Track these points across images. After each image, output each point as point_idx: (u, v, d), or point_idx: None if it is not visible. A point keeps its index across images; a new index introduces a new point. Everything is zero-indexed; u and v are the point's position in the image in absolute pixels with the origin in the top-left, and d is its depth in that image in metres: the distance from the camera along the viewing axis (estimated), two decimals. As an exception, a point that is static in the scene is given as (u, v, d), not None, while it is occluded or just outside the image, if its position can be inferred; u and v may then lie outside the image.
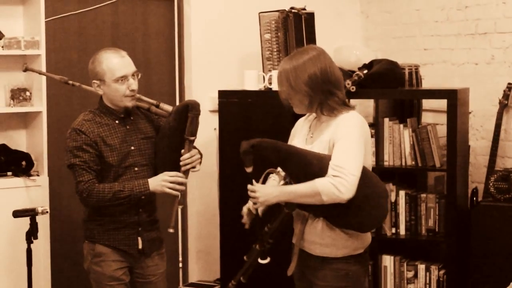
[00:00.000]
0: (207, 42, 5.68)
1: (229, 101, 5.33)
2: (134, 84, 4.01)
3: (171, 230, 4.06)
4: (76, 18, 5.32)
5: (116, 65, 3.97)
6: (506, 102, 5.32)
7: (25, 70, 4.73)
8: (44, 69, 4.78)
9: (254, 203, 3.69)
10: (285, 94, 3.68)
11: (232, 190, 5.27)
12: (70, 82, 4.46)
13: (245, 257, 3.75)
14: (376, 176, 3.72)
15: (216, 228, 5.48)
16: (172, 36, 5.71)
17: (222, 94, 5.36)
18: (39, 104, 4.82)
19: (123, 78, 3.97)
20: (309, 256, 3.74)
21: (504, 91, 5.33)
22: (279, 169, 3.79)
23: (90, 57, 5.22)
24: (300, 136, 3.80)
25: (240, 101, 5.30)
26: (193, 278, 5.71)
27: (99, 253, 4.07)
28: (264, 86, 5.32)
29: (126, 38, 5.49)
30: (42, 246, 4.72)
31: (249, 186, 3.67)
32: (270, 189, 3.68)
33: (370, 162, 3.78)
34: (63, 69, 5.23)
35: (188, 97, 5.57)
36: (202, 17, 5.68)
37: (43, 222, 4.61)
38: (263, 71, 5.42)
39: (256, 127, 5.12)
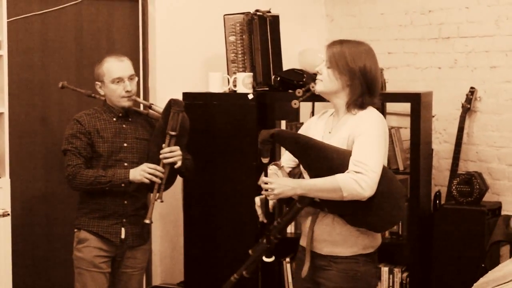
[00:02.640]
0: (172, 44, 5.67)
1: (194, 104, 5.30)
2: (129, 85, 4.35)
3: (147, 221, 4.28)
4: (39, 19, 5.27)
5: (113, 68, 4.35)
6: (469, 106, 5.37)
7: (62, 87, 4.78)
8: (6, 70, 4.71)
9: (267, 196, 3.62)
10: (331, 69, 3.63)
11: (196, 192, 5.28)
12: (93, 95, 4.64)
13: (250, 251, 3.70)
14: (395, 176, 3.69)
15: (179, 231, 5.46)
16: (136, 37, 5.68)
17: (187, 96, 5.32)
18: (1, 105, 4.74)
19: (119, 79, 4.34)
20: (317, 256, 3.70)
21: (467, 95, 5.38)
22: (282, 163, 3.78)
23: (53, 58, 5.29)
24: (317, 131, 3.75)
25: (204, 104, 5.28)
26: (156, 281, 5.69)
27: (83, 239, 4.34)
28: (229, 89, 5.29)
29: (89, 39, 5.46)
30: (3, 248, 4.65)
31: (263, 178, 3.60)
32: (287, 181, 3.61)
33: (386, 162, 3.70)
34: (25, 69, 5.20)
35: (152, 99, 5.54)
36: (166, 18, 5.66)
37: (4, 225, 4.57)
38: (228, 74, 5.40)
39: (220, 130, 5.12)
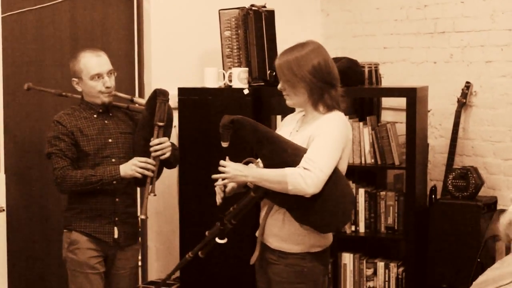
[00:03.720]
0: (167, 39, 5.67)
1: (189, 99, 5.34)
2: (109, 81, 4.26)
3: (142, 217, 4.25)
4: (33, 14, 5.28)
5: (91, 64, 4.23)
6: (465, 100, 5.38)
7: (28, 89, 4.76)
8: (0, 66, 4.72)
9: (223, 179, 3.70)
10: (285, 84, 3.71)
11: (191, 188, 5.30)
12: (64, 93, 4.62)
13: (206, 232, 3.76)
14: (347, 181, 3.81)
15: (175, 227, 5.46)
16: (131, 32, 5.69)
17: (182, 92, 5.36)
18: (-5, 105, 4.76)
19: (98, 75, 4.23)
20: (268, 250, 3.78)
21: (463, 89, 5.39)
22: (258, 160, 3.82)
23: (47, 54, 5.29)
24: (286, 130, 3.83)
25: (200, 99, 5.28)
26: (152, 276, 5.70)
27: (75, 240, 4.26)
28: (224, 84, 5.30)
29: (84, 35, 5.47)
30: (-1, 242, 4.68)
31: (221, 162, 3.70)
32: (241, 167, 3.71)
33: (345, 167, 3.80)
34: (20, 66, 5.21)
35: (147, 94, 5.53)
36: (161, 13, 5.67)
37: (0, 219, 4.57)
38: (223, 69, 5.41)
39: (216, 125, 5.05)
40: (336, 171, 3.60)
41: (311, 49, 3.70)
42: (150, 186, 4.20)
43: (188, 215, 5.33)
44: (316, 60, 3.65)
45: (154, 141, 4.20)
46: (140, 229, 4.63)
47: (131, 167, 4.16)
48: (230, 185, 3.76)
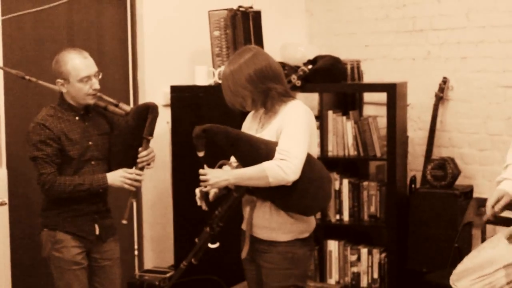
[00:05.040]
0: (159, 39, 5.65)
1: (181, 96, 5.34)
2: (96, 83, 4.06)
3: (124, 222, 4.15)
4: (32, 17, 5.23)
5: (80, 66, 4.02)
6: (442, 95, 5.42)
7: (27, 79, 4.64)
8: (1, 65, 4.72)
9: (205, 186, 3.69)
10: (228, 98, 3.71)
11: (184, 180, 5.28)
12: (27, 77, 4.36)
13: (196, 239, 3.76)
14: (320, 163, 3.77)
15: (169, 217, 5.49)
16: (125, 33, 5.66)
17: (174, 89, 5.37)
18: (-4, 100, 4.78)
19: (87, 78, 4.03)
20: (257, 240, 3.76)
21: (440, 84, 5.43)
22: (231, 160, 3.81)
23: (45, 54, 5.25)
24: (251, 128, 3.81)
25: (191, 96, 5.30)
26: (148, 265, 5.69)
27: (60, 240, 4.12)
28: (214, 81, 5.31)
29: (81, 36, 5.43)
30: (1, 236, 4.68)
31: (200, 170, 3.68)
32: (220, 172, 3.68)
33: (315, 150, 3.80)
34: (20, 65, 5.11)
35: (141, 92, 5.56)
36: (154, 15, 5.64)
37: (2, 213, 4.57)
38: (213, 67, 5.41)
39: (206, 121, 5.01)
40: (309, 156, 3.60)
41: (244, 61, 3.64)
42: (132, 192, 4.15)
43: (181, 207, 5.34)
44: (248, 71, 3.60)
45: (142, 153, 4.10)
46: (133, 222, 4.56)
47: (119, 179, 4.07)
48: (213, 191, 3.75)
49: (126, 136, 4.16)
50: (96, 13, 5.54)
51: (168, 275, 5.37)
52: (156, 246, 5.75)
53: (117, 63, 5.60)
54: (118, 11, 5.64)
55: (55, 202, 4.11)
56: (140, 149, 4.12)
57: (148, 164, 4.17)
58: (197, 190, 3.81)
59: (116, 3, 5.63)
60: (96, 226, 4.18)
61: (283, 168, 3.49)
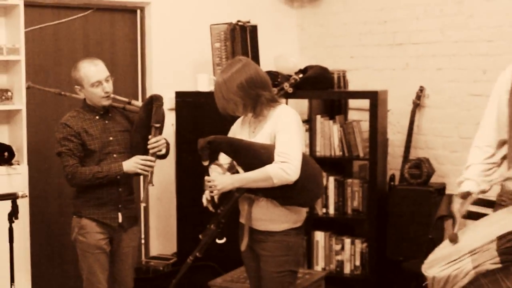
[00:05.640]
0: (166, 49, 5.67)
1: (185, 101, 5.36)
2: (107, 87, 4.15)
3: (143, 204, 4.28)
4: (51, 29, 5.28)
5: (90, 73, 4.12)
6: (419, 102, 5.41)
7: (28, 87, 4.73)
8: (23, 73, 4.76)
9: (211, 191, 3.68)
10: (221, 104, 3.70)
11: (186, 176, 5.31)
12: (63, 93, 4.56)
13: (200, 236, 3.75)
14: (312, 158, 3.81)
15: (173, 210, 5.51)
16: (135, 44, 5.69)
17: (179, 95, 5.39)
18: (19, 103, 4.80)
19: (98, 83, 4.12)
20: (255, 232, 3.76)
21: (417, 92, 5.42)
22: (220, 162, 3.80)
23: (64, 63, 5.32)
24: (243, 132, 3.79)
25: (193, 101, 5.32)
26: (153, 252, 5.72)
27: (85, 225, 4.19)
28: None
29: (95, 46, 5.47)
30: (22, 225, 4.70)
31: (206, 178, 3.68)
32: (226, 178, 3.69)
33: (304, 148, 3.83)
34: (40, 72, 5.23)
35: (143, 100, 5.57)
36: (161, 28, 5.66)
37: (23, 205, 4.58)
38: (214, 75, 5.41)
39: (207, 123, 5.13)
40: (303, 154, 3.63)
41: (235, 70, 3.64)
42: (149, 178, 4.15)
43: (184, 201, 5.36)
44: (239, 80, 3.61)
45: (152, 139, 4.14)
46: (140, 213, 4.57)
47: (133, 165, 4.12)
48: (217, 195, 3.72)
49: (140, 129, 4.21)
50: (109, 26, 5.58)
51: (171, 261, 5.40)
52: (161, 235, 5.77)
53: (128, 70, 5.63)
54: (129, 25, 5.68)
55: (81, 191, 4.20)
56: (149, 136, 4.15)
57: (160, 151, 4.19)
58: (204, 198, 3.78)
59: (128, 17, 5.66)
60: (120, 215, 4.21)
61: (285, 169, 3.51)
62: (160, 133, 4.23)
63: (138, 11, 5.68)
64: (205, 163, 3.66)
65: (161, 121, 4.21)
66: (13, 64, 4.82)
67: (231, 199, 3.70)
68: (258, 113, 3.70)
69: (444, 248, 3.15)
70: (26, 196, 4.15)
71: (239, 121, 3.89)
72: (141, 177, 4.27)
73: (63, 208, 5.36)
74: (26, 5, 4.86)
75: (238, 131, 3.84)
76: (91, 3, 5.40)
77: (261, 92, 3.65)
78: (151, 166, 4.15)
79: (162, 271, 5.25)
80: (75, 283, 5.23)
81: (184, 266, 3.77)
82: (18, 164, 4.81)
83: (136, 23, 5.69)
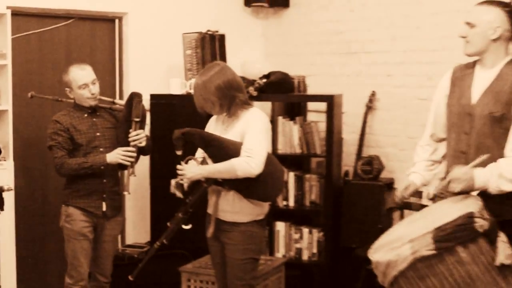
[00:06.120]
0: (141, 55, 5.64)
1: (159, 103, 5.33)
2: (93, 89, 4.25)
3: (125, 193, 4.27)
4: (36, 36, 5.23)
5: (78, 76, 4.23)
6: (371, 105, 5.45)
7: (31, 97, 4.72)
8: (10, 76, 4.72)
9: (181, 179, 3.72)
10: (199, 104, 3.74)
11: (160, 171, 5.29)
12: (60, 99, 4.59)
13: (168, 223, 3.78)
14: (276, 159, 3.83)
15: (147, 203, 5.48)
16: (113, 50, 5.66)
17: (153, 97, 5.35)
18: (6, 104, 4.76)
19: (85, 85, 4.23)
20: (221, 222, 3.80)
21: (369, 96, 5.46)
22: (196, 156, 3.83)
23: (47, 67, 5.26)
24: (217, 129, 3.82)
25: (167, 103, 5.29)
26: (129, 240, 5.70)
27: (71, 213, 4.24)
28: (186, 91, 5.32)
29: (77, 52, 5.43)
30: (8, 217, 4.66)
31: (178, 166, 3.72)
32: (195, 167, 3.73)
33: (270, 148, 3.85)
34: (25, 76, 5.18)
35: (125, 97, 5.54)
36: (137, 36, 5.64)
37: (9, 197, 4.55)
38: (185, 79, 5.42)
39: (179, 122, 4.94)
40: (268, 153, 3.66)
41: (214, 73, 3.68)
42: (131, 169, 4.19)
43: (157, 194, 5.34)
44: (217, 82, 3.64)
45: (132, 133, 4.18)
46: (124, 204, 4.59)
47: (115, 155, 4.15)
48: (186, 183, 3.76)
49: (123, 124, 4.26)
50: (90, 34, 5.55)
51: (145, 249, 5.36)
52: (136, 226, 5.74)
53: (107, 74, 5.59)
54: (108, 33, 5.65)
55: (70, 182, 4.25)
56: (130, 130, 4.19)
57: (140, 143, 4.22)
58: (173, 181, 3.81)
59: (107, 26, 5.64)
60: (104, 204, 4.25)
61: (249, 163, 3.55)
62: (142, 127, 4.27)
63: (117, 21, 5.66)
64: (179, 152, 3.69)
65: (141, 115, 4.25)
66: (0, 68, 4.79)
67: (200, 189, 3.73)
68: (232, 113, 3.73)
69: (388, 235, 3.20)
70: (12, 189, 4.11)
71: (214, 118, 3.91)
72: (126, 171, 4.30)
73: (46, 201, 5.35)
74: (13, 14, 4.82)
75: (213, 127, 3.87)
76: (73, 12, 5.36)
77: (236, 94, 3.69)
78: (132, 157, 4.18)
79: (137, 258, 5.23)
80: (56, 267, 5.27)
81: (151, 251, 3.79)
82: (5, 160, 4.80)
83: (115, 31, 5.66)
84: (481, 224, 2.86)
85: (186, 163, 3.78)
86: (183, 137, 3.68)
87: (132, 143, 4.20)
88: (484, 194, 3.13)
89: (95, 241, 4.33)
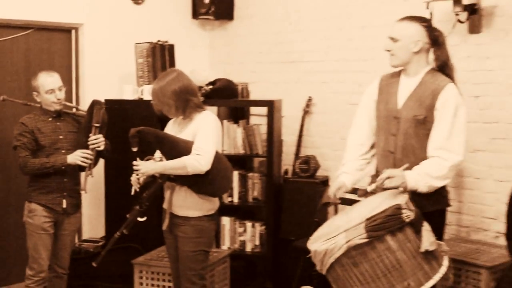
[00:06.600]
0: (96, 63, 5.60)
1: (112, 107, 5.18)
2: (59, 94, 4.25)
3: (83, 192, 4.28)
4: None
5: (46, 82, 4.22)
6: (308, 109, 5.49)
7: (3, 100, 4.66)
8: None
9: (137, 174, 3.71)
10: (157, 107, 3.75)
11: (114, 170, 5.26)
12: (29, 103, 4.53)
13: (127, 215, 3.76)
14: (225, 157, 3.87)
15: (102, 200, 5.45)
16: (70, 59, 5.61)
17: (107, 102, 5.14)
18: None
19: (51, 90, 4.22)
20: (175, 216, 3.80)
21: (306, 102, 5.49)
22: (155, 156, 3.83)
23: (7, 74, 5.19)
24: (173, 130, 3.83)
25: (120, 107, 5.24)
26: (85, 236, 5.65)
27: (33, 209, 4.21)
28: (138, 97, 5.30)
29: (35, 60, 5.36)
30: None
31: (134, 162, 3.72)
32: (149, 164, 3.73)
33: (220, 148, 3.88)
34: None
35: (82, 103, 5.50)
36: (92, 45, 5.60)
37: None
38: (137, 86, 5.40)
39: (131, 126, 4.93)
40: (217, 152, 3.69)
41: (170, 78, 3.68)
42: (89, 171, 4.21)
43: (111, 192, 5.32)
44: (173, 87, 3.65)
45: (92, 137, 4.19)
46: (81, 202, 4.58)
47: (75, 157, 4.15)
48: (143, 178, 3.74)
49: (85, 130, 4.25)
50: (48, 43, 5.49)
51: (100, 244, 5.33)
52: (92, 222, 5.69)
53: (64, 81, 5.29)
54: (65, 42, 5.60)
55: (33, 180, 4.22)
56: (90, 134, 4.20)
57: (99, 147, 4.22)
58: (132, 177, 3.78)
59: (64, 36, 5.59)
60: (64, 201, 4.23)
61: (199, 160, 3.56)
62: (101, 133, 4.26)
63: (73, 31, 5.61)
64: (134, 149, 3.67)
65: (101, 121, 4.25)
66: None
67: (155, 184, 3.74)
68: (187, 115, 3.74)
69: (325, 227, 3.26)
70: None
71: (171, 121, 3.92)
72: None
73: (8, 199, 5.27)
74: (-26, 24, 4.76)
75: (170, 128, 3.88)
76: (32, 23, 5.30)
77: (190, 98, 3.70)
78: (90, 159, 4.18)
79: (92, 252, 5.20)
80: (16, 260, 5.19)
81: (112, 240, 3.77)
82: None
83: (71, 41, 5.62)
84: (408, 214, 2.94)
85: (135, 157, 3.77)
86: (138, 135, 3.65)
87: (91, 147, 4.20)
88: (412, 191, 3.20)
89: (55, 236, 4.30)
